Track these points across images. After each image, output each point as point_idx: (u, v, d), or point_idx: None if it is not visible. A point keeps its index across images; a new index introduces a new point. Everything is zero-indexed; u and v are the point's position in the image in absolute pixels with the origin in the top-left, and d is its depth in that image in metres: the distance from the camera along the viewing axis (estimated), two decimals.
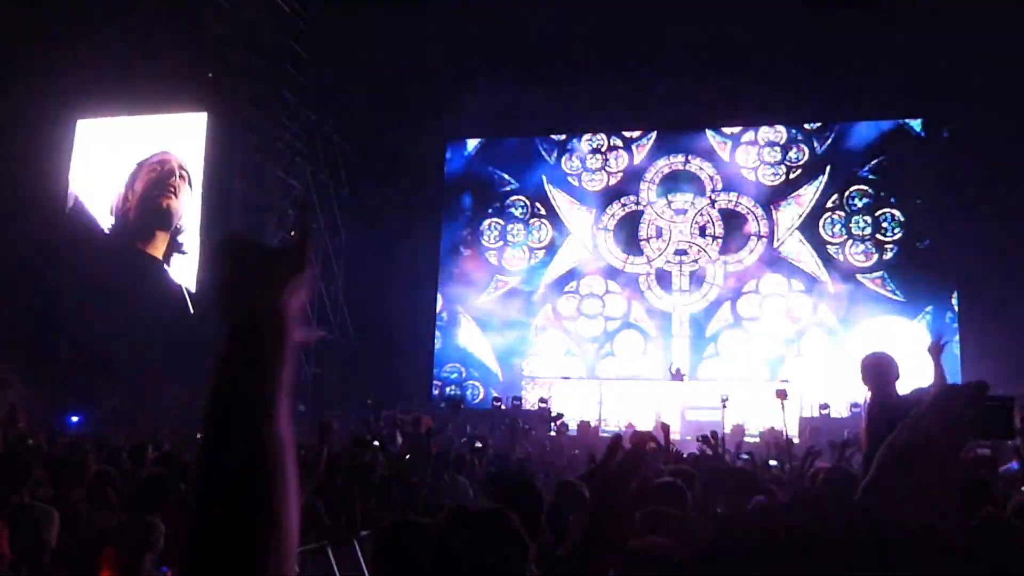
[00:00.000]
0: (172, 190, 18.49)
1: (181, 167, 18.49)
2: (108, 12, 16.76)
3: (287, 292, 0.91)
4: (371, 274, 19.05)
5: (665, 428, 7.64)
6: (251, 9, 16.97)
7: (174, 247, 18.14)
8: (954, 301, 17.21)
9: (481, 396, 19.31)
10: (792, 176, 18.82)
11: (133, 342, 15.61)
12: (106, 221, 18.76)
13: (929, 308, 17.40)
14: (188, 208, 18.34)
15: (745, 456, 8.50)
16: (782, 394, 12.24)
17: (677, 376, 17.48)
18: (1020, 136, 14.60)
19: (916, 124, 18.08)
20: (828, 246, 18.34)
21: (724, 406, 12.43)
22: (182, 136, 18.65)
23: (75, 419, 14.77)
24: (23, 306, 16.87)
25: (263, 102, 17.47)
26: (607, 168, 20.05)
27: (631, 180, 19.83)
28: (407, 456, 7.88)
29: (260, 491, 0.81)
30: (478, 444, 8.76)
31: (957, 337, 16.99)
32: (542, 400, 16.96)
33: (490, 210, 20.44)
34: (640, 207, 19.66)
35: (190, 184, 18.34)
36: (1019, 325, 13.89)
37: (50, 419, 13.81)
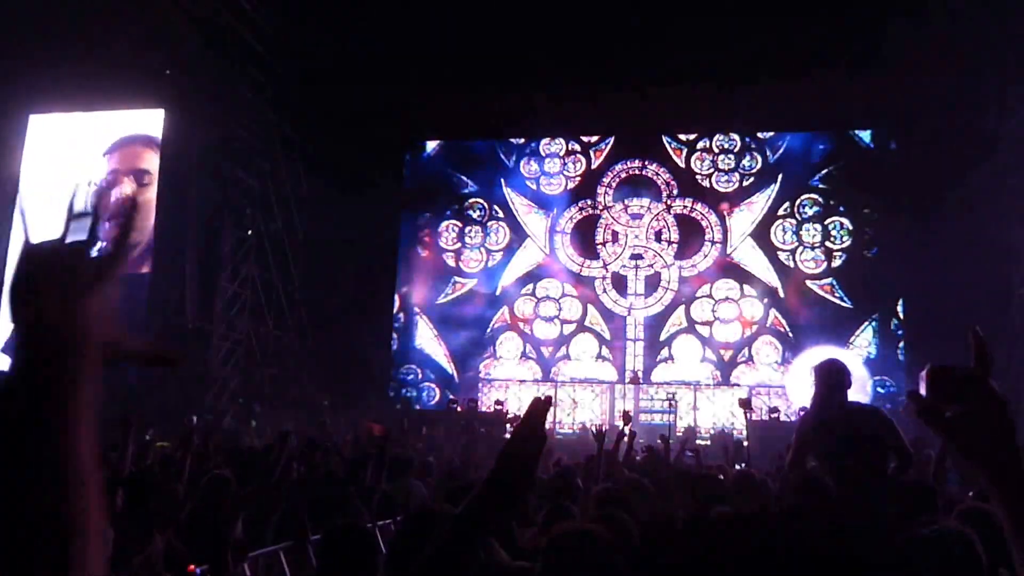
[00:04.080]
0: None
1: (139, 173, 18.11)
2: (62, 4, 16.42)
3: (82, 300, 0.80)
4: (328, 274, 18.97)
5: (620, 435, 7.82)
6: (209, 5, 16.78)
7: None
8: (899, 308, 17.78)
9: (437, 398, 19.37)
10: (745, 183, 19.23)
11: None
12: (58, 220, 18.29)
13: (876, 314, 17.95)
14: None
15: (689, 454, 8.71)
16: (745, 403, 12.59)
17: (632, 379, 17.76)
18: (964, 147, 15.11)
19: (865, 135, 18.61)
20: (779, 252, 18.77)
21: (672, 406, 12.61)
22: (138, 133, 18.38)
23: None
24: None
25: (221, 100, 17.28)
26: (565, 172, 20.26)
27: (588, 184, 20.07)
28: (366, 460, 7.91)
29: (55, 541, 0.71)
30: (431, 459, 8.86)
31: (901, 344, 17.59)
32: (498, 402, 17.08)
33: (448, 212, 20.52)
34: (597, 211, 19.90)
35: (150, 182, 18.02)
36: (961, 331, 14.37)
37: None
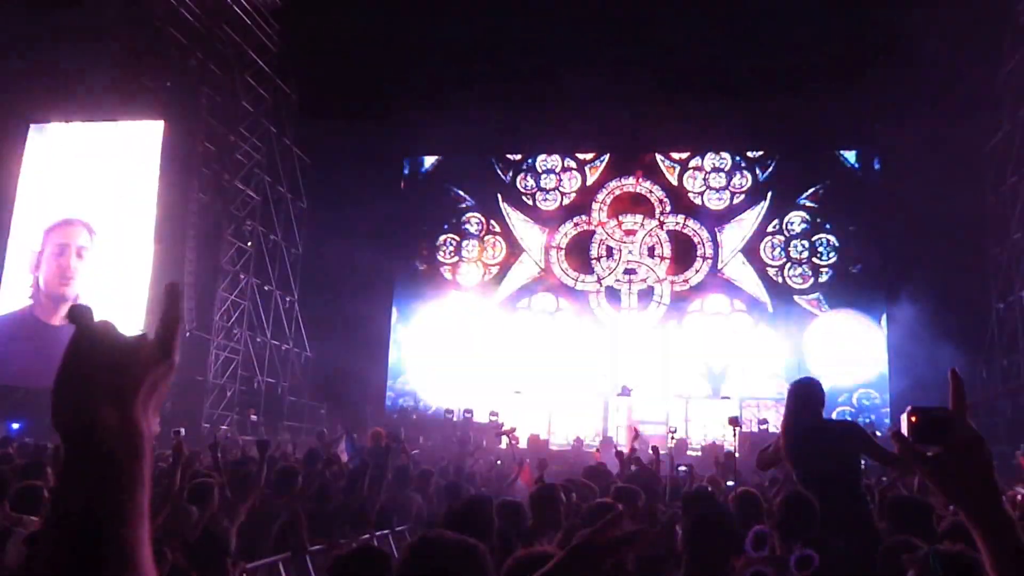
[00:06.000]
0: (70, 275, 18.06)
1: (79, 248, 18.01)
2: (65, 16, 16.58)
3: (141, 401, 0.74)
4: (327, 285, 19.23)
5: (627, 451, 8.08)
6: (210, 19, 17.02)
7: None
8: (882, 322, 18.15)
9: (433, 408, 19.58)
10: (735, 201, 19.59)
11: None
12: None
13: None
14: (91, 275, 17.70)
15: (683, 468, 8.94)
16: (735, 421, 12.91)
17: (625, 392, 18.05)
18: (944, 168, 15.51)
19: (850, 156, 19.03)
20: (768, 268, 19.12)
21: (672, 436, 12.83)
22: (138, 144, 18.53)
23: (16, 426, 14.09)
24: None
25: (222, 112, 17.49)
26: (561, 188, 20.60)
27: (583, 201, 20.40)
28: (364, 471, 8.06)
29: None
30: (428, 469, 9.00)
31: (884, 357, 17.98)
32: (493, 413, 17.29)
33: (446, 226, 20.82)
34: (592, 227, 20.23)
35: (91, 238, 17.83)
36: (939, 342, 14.81)
37: None
